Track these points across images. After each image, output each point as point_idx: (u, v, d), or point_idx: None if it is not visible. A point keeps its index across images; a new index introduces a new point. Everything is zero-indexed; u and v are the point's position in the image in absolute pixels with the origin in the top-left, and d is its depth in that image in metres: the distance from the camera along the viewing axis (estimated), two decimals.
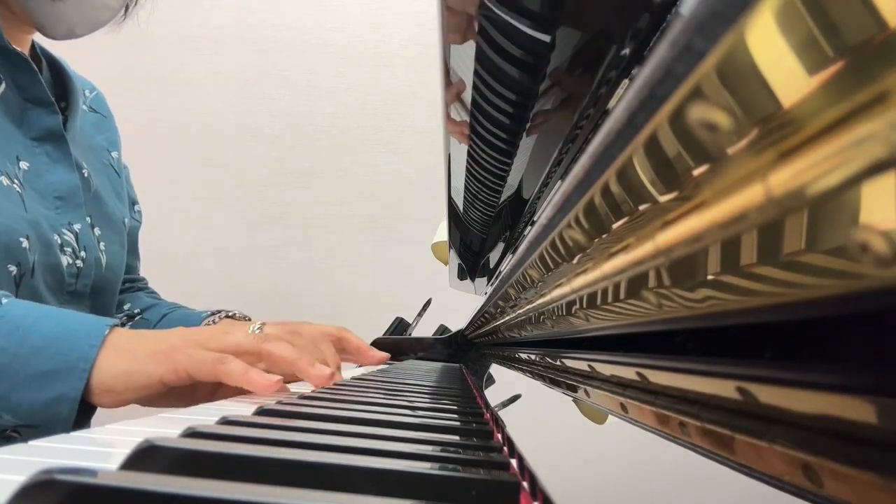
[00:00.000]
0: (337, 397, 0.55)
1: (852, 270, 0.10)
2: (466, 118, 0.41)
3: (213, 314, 0.94)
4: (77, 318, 0.60)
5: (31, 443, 0.31)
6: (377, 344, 1.40)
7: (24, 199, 0.74)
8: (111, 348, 0.58)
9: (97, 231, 0.87)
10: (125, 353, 0.58)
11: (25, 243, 0.70)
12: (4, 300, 0.58)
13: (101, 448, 0.33)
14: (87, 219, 0.85)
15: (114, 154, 1.00)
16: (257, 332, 0.68)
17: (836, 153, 0.10)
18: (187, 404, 0.56)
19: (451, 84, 0.39)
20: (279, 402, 0.47)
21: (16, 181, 0.74)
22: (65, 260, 0.78)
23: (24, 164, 0.77)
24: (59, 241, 0.78)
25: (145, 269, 1.15)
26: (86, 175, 0.87)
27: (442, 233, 1.29)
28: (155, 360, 0.58)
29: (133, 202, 1.06)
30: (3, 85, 0.77)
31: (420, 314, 1.51)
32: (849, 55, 0.10)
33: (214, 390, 0.65)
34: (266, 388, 0.56)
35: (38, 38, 0.86)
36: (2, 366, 0.54)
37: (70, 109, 0.88)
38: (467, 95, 0.38)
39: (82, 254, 0.82)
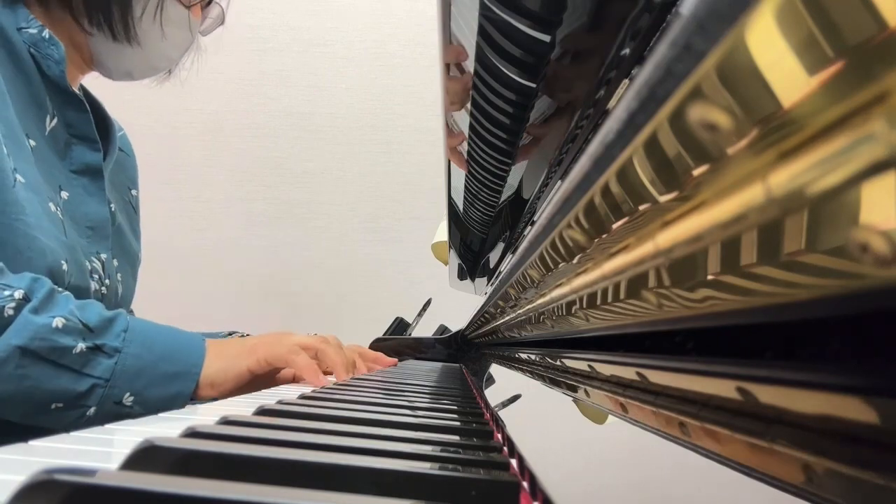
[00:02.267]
0: (337, 397, 0.55)
1: (852, 270, 0.10)
2: (466, 118, 0.41)
3: (229, 334, 1.03)
4: (181, 334, 0.77)
5: (32, 443, 0.31)
6: (377, 344, 1.41)
7: (64, 226, 0.81)
8: (212, 353, 0.76)
9: (116, 263, 0.94)
10: (220, 355, 0.76)
11: (65, 266, 0.77)
12: (127, 315, 0.73)
13: (101, 448, 0.33)
14: (111, 249, 0.92)
15: (133, 192, 1.06)
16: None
17: (836, 153, 0.10)
18: (267, 387, 0.77)
19: (450, 83, 0.39)
20: (279, 402, 0.47)
21: (58, 209, 0.81)
22: (93, 285, 0.85)
23: (64, 194, 0.84)
24: (90, 268, 0.85)
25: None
26: (112, 210, 0.94)
27: (442, 233, 1.29)
28: (242, 356, 0.77)
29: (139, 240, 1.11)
30: (56, 120, 0.84)
31: (420, 314, 1.51)
32: (849, 55, 0.10)
33: (290, 376, 0.85)
34: (317, 381, 0.75)
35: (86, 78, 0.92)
36: (139, 369, 0.70)
37: (108, 149, 0.95)
38: (467, 95, 0.38)
39: (106, 281, 0.90)
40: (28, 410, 0.67)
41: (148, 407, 0.70)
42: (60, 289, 0.70)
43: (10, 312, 0.65)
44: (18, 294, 0.65)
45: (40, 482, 0.18)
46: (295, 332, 0.87)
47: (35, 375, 0.65)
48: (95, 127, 0.90)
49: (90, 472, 0.19)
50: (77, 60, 0.88)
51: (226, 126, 1.97)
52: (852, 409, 0.14)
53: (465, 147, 0.45)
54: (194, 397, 0.75)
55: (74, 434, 0.35)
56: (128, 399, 0.70)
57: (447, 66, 0.37)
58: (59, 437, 0.33)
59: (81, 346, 0.67)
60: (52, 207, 0.79)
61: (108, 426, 0.38)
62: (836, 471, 0.13)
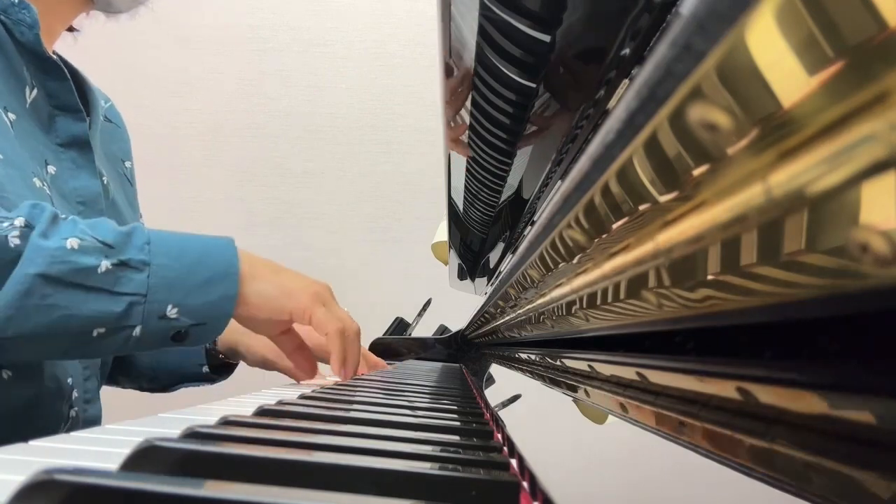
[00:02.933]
0: (337, 397, 0.55)
1: (852, 270, 0.10)
2: (466, 118, 0.41)
3: None
4: (204, 238, 0.71)
5: (32, 443, 0.31)
6: (377, 343, 1.40)
7: (53, 201, 0.76)
8: (247, 264, 0.70)
9: None
10: (264, 276, 0.71)
11: None
12: (146, 230, 0.68)
13: (101, 448, 0.33)
14: None
15: (127, 164, 1.02)
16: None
17: (836, 153, 0.10)
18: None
19: (450, 84, 0.39)
20: (279, 402, 0.47)
21: (45, 184, 0.77)
22: None
23: (51, 169, 0.80)
24: None
25: None
26: (105, 182, 0.90)
27: (442, 233, 1.29)
28: (289, 296, 0.72)
29: (138, 214, 1.08)
30: (36, 91, 0.79)
31: (420, 314, 1.51)
32: (849, 55, 0.10)
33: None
34: (347, 375, 0.73)
35: (58, 48, 0.88)
36: (174, 278, 0.66)
37: (92, 118, 0.90)
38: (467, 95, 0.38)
39: None
40: (72, 344, 0.64)
41: (197, 316, 0.67)
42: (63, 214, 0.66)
43: (17, 241, 0.60)
44: (19, 221, 0.61)
45: (40, 482, 0.18)
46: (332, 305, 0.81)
47: (64, 303, 0.61)
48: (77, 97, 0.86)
49: (90, 472, 0.19)
50: (50, 22, 0.83)
51: (226, 126, 1.97)
52: (852, 409, 0.14)
53: (465, 138, 0.45)
54: (237, 316, 0.71)
55: (74, 434, 0.35)
56: (172, 311, 0.66)
57: (447, 66, 0.37)
58: (59, 437, 0.33)
59: (106, 263, 0.63)
60: (38, 183, 0.75)
61: (108, 426, 0.38)
62: (836, 471, 0.13)
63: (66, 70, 0.82)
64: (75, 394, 0.79)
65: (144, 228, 0.68)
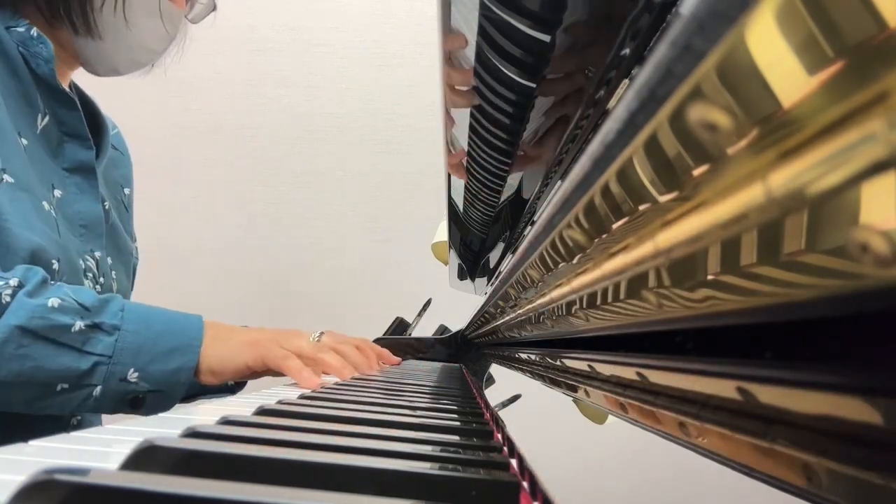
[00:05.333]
0: (337, 397, 0.55)
1: (852, 270, 0.10)
2: (466, 118, 0.41)
3: None
4: (176, 313, 0.77)
5: (32, 443, 0.31)
6: (377, 344, 1.40)
7: (58, 225, 0.81)
8: (211, 337, 0.76)
9: (110, 261, 0.94)
10: (223, 341, 0.77)
11: (56, 265, 0.77)
12: (121, 299, 0.73)
13: (101, 448, 0.33)
14: (104, 246, 0.91)
15: (126, 190, 1.06)
16: (316, 339, 0.85)
17: (836, 153, 0.10)
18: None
19: (450, 83, 0.39)
20: (279, 402, 0.47)
21: (52, 207, 0.81)
22: (87, 284, 0.85)
23: (57, 193, 0.84)
24: (83, 266, 0.85)
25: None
26: (106, 207, 0.93)
27: (442, 233, 1.29)
28: (244, 350, 0.77)
29: (133, 239, 1.10)
30: (47, 118, 0.84)
31: (420, 314, 1.51)
32: (849, 55, 0.09)
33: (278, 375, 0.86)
34: (311, 385, 0.72)
35: (76, 76, 0.92)
36: (140, 345, 0.71)
37: (101, 147, 0.94)
38: (467, 94, 0.38)
39: (101, 280, 0.89)
40: (35, 394, 0.68)
41: (154, 382, 0.71)
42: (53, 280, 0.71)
43: (7, 299, 0.66)
44: (14, 282, 0.67)
45: (40, 482, 0.18)
46: (301, 330, 0.87)
47: (36, 355, 0.66)
48: (88, 125, 0.90)
49: (90, 472, 0.19)
50: (65, 58, 0.87)
51: (226, 126, 1.97)
52: (852, 409, 0.14)
53: (466, 136, 0.45)
54: (196, 380, 0.76)
55: (74, 434, 0.35)
56: (132, 375, 0.70)
57: (447, 56, 0.37)
58: (59, 437, 0.33)
59: (80, 324, 0.68)
60: (46, 206, 0.79)
61: (108, 426, 0.38)
62: (836, 471, 0.13)
63: (77, 102, 0.86)
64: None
65: (121, 299, 0.74)
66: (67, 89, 0.86)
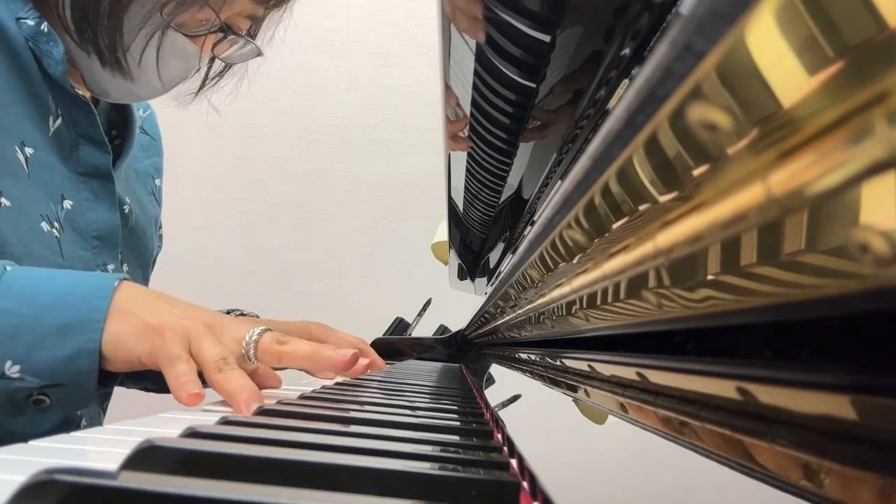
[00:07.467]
0: (337, 397, 0.55)
1: (852, 270, 0.10)
2: (466, 118, 0.41)
3: (227, 313, 0.93)
4: (87, 276, 0.58)
5: (31, 443, 0.31)
6: (377, 343, 1.40)
7: (61, 244, 0.73)
8: (117, 307, 0.55)
9: (125, 268, 0.87)
10: (129, 316, 0.55)
11: None
12: (9, 267, 0.56)
13: (101, 448, 0.33)
14: (119, 256, 0.85)
15: (157, 182, 0.99)
16: (255, 337, 0.59)
17: (836, 153, 0.10)
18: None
19: (450, 84, 0.39)
20: (279, 402, 0.47)
21: (56, 224, 0.73)
22: None
23: (67, 203, 0.76)
24: None
25: None
26: (126, 211, 0.87)
27: (442, 233, 1.29)
28: (143, 336, 0.54)
29: (159, 226, 1.05)
30: (60, 120, 0.76)
31: (420, 314, 1.51)
32: (849, 55, 0.09)
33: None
34: (186, 403, 0.51)
35: None
36: (12, 328, 0.53)
37: (125, 144, 0.87)
38: (467, 95, 0.38)
39: None
40: None
41: (44, 375, 0.53)
42: None
43: None
44: None
45: (40, 482, 0.18)
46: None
47: None
48: (115, 118, 0.83)
49: (90, 472, 0.19)
50: (70, 61, 0.79)
51: (226, 126, 1.97)
52: (852, 409, 0.14)
53: (465, 137, 0.45)
54: (105, 367, 0.55)
55: (74, 434, 0.35)
56: (11, 369, 0.53)
57: (447, 68, 0.37)
58: (59, 438, 0.33)
59: None
60: (46, 227, 0.71)
61: (108, 426, 0.38)
62: (836, 471, 0.13)
63: (92, 106, 0.79)
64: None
65: (20, 269, 0.57)
66: (81, 94, 0.78)
